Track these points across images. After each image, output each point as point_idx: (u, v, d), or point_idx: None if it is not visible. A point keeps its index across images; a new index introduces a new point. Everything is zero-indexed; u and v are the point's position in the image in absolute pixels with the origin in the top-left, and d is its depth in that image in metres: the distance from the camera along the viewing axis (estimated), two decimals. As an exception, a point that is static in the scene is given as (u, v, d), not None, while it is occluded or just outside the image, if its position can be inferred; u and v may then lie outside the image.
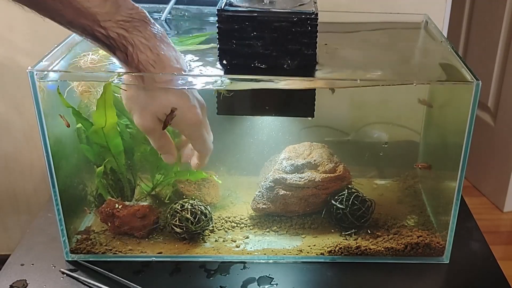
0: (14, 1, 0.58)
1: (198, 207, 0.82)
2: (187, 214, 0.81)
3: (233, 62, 0.73)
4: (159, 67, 0.65)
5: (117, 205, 0.81)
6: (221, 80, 0.71)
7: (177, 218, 0.81)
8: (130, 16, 0.62)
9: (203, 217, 0.82)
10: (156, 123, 0.69)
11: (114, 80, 0.68)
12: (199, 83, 0.70)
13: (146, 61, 0.64)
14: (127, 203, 0.82)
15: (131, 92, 0.68)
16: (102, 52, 0.73)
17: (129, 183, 0.85)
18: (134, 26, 0.62)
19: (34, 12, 0.59)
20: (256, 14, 0.71)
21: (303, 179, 0.85)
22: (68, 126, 0.77)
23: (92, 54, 0.74)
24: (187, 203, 0.82)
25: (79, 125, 0.79)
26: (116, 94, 0.78)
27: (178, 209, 0.81)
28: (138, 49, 0.63)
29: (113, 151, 0.80)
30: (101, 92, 0.73)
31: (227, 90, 0.74)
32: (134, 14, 0.62)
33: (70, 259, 0.79)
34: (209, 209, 0.84)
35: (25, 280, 0.75)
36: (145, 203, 0.83)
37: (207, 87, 0.71)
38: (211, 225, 0.84)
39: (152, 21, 0.65)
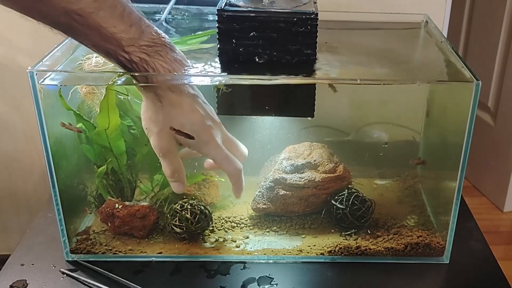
0: (44, 23, 0.59)
1: (197, 207, 0.82)
2: (187, 214, 0.81)
3: (233, 62, 0.73)
4: (177, 90, 0.68)
5: (117, 205, 0.81)
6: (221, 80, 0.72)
7: (177, 218, 0.81)
8: (153, 41, 0.64)
9: (202, 217, 0.82)
10: (173, 144, 0.71)
11: (116, 81, 0.69)
12: (199, 82, 0.71)
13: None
14: (127, 203, 0.82)
15: (150, 113, 0.69)
16: None
17: (129, 183, 0.85)
18: (156, 50, 0.64)
19: (61, 33, 0.61)
20: (256, 14, 0.71)
21: (303, 179, 0.85)
22: (80, 132, 0.77)
23: (96, 57, 0.74)
24: (186, 203, 0.82)
25: (80, 125, 0.79)
26: (120, 96, 0.78)
27: (178, 209, 0.81)
28: (158, 72, 0.65)
29: (115, 152, 0.80)
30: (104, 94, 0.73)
31: (225, 85, 0.75)
32: (156, 39, 0.64)
33: (70, 259, 0.79)
34: (209, 209, 0.84)
35: (25, 280, 0.75)
36: (145, 203, 0.83)
37: (206, 82, 0.72)
38: (211, 225, 0.84)
39: (173, 45, 0.67)
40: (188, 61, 0.69)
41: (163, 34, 0.66)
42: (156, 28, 0.65)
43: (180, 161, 0.74)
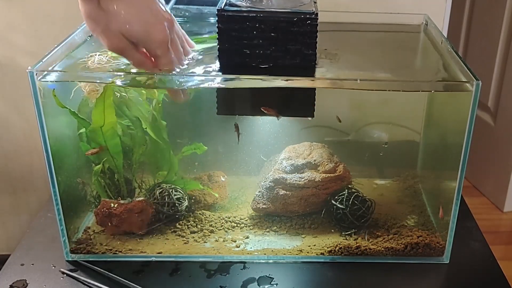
0: None
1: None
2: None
3: (233, 62, 0.73)
4: None
5: (112, 204, 0.81)
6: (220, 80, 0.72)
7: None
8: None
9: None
10: (123, 41, 0.68)
11: (116, 81, 0.69)
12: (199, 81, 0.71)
13: None
14: (122, 201, 0.81)
15: (89, 10, 0.66)
16: (110, 53, 0.74)
17: (126, 183, 0.85)
18: None
19: None
20: (256, 14, 0.71)
21: (303, 179, 0.85)
22: (102, 148, 0.78)
23: (99, 54, 0.74)
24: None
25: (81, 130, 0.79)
26: (117, 93, 0.78)
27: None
28: None
29: (111, 151, 0.80)
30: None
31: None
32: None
33: (70, 259, 0.79)
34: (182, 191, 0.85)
35: (25, 280, 0.75)
36: (140, 198, 0.82)
37: (206, 85, 0.71)
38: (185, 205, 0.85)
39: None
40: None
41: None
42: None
43: (142, 50, 0.71)
